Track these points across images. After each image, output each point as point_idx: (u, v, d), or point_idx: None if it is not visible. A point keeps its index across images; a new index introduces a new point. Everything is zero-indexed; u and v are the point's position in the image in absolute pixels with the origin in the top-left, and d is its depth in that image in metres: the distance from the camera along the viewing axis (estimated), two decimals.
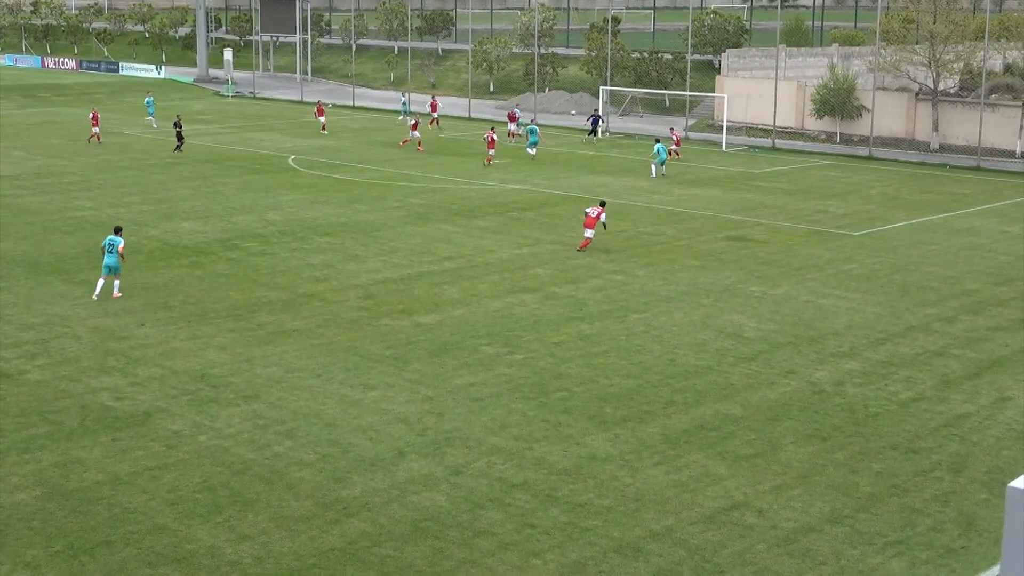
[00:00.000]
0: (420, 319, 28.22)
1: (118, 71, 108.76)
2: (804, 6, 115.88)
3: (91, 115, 61.34)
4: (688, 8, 75.94)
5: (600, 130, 64.75)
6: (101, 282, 29.56)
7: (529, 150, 56.64)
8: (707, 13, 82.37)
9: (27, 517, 17.53)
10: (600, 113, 66.79)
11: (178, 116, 60.78)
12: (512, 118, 64.56)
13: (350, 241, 37.05)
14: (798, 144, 63.59)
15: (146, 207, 42.49)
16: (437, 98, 71.26)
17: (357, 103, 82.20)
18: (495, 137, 55.26)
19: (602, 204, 36.38)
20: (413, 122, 60.56)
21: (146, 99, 70.65)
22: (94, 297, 29.34)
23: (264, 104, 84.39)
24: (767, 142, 63.87)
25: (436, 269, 33.41)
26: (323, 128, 66.17)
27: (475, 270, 33.37)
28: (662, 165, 50.83)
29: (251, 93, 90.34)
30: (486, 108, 76.58)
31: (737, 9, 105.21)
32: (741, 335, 27.23)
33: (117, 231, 29.86)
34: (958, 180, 52.26)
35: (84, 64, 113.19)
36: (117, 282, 29.71)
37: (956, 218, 42.75)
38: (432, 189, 47.35)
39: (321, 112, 67.07)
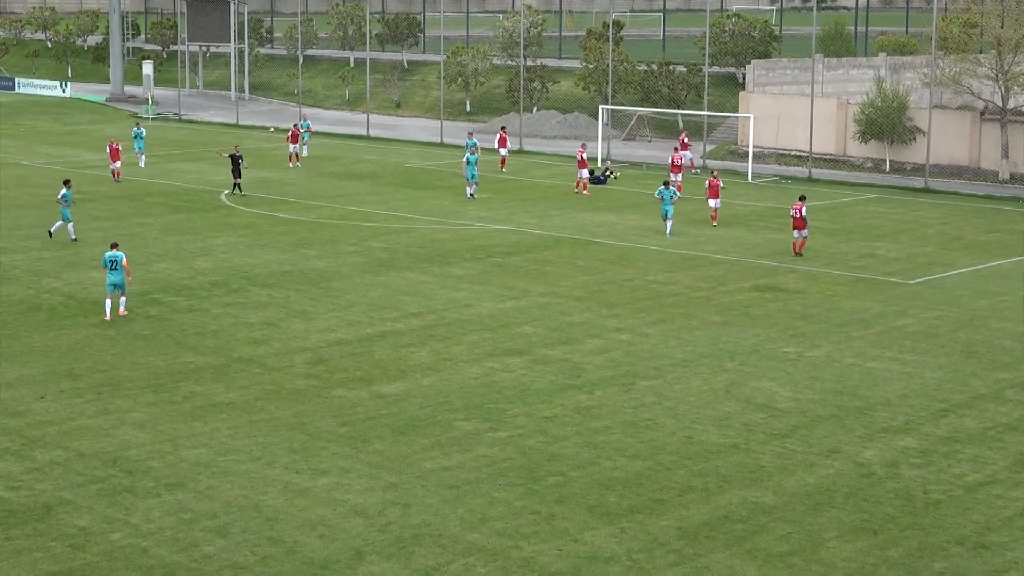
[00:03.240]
0: (382, 389, 28.20)
1: (14, 88, 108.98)
2: (845, 8, 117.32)
3: (108, 147, 59.32)
4: (705, 11, 76.58)
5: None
6: (108, 303, 33.55)
7: (469, 188, 54.89)
8: (728, 17, 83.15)
9: None
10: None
11: (236, 146, 57.42)
12: (685, 146, 61.82)
13: (296, 294, 37.09)
14: (839, 174, 64.02)
15: (47, 253, 42.49)
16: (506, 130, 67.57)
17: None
18: (585, 156, 57.03)
19: (802, 198, 42.46)
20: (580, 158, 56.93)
21: (134, 131, 65.99)
22: (106, 319, 33.21)
23: (192, 128, 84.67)
24: (802, 172, 64.28)
25: (401, 328, 33.45)
26: (293, 158, 65.15)
27: (449, 328, 33.41)
28: (667, 218, 46.22)
29: (176, 114, 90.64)
30: (461, 132, 76.93)
31: (764, 12, 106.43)
32: (773, 406, 27.29)
33: (114, 246, 33.88)
34: None
35: None
36: (123, 299, 33.71)
37: None
38: (396, 230, 47.49)
39: (295, 138, 65.62)
